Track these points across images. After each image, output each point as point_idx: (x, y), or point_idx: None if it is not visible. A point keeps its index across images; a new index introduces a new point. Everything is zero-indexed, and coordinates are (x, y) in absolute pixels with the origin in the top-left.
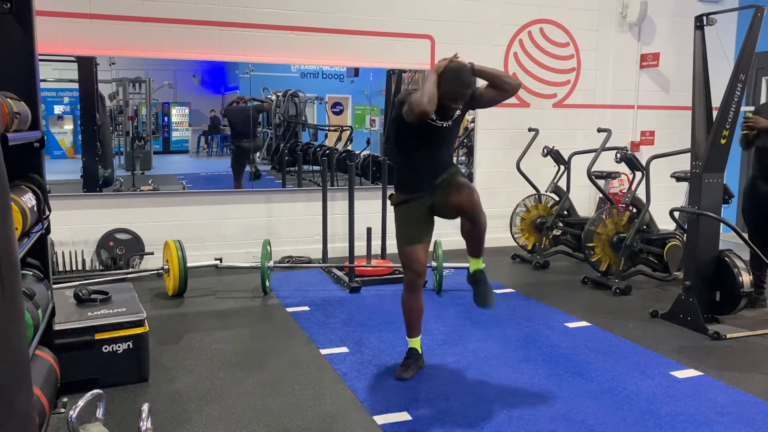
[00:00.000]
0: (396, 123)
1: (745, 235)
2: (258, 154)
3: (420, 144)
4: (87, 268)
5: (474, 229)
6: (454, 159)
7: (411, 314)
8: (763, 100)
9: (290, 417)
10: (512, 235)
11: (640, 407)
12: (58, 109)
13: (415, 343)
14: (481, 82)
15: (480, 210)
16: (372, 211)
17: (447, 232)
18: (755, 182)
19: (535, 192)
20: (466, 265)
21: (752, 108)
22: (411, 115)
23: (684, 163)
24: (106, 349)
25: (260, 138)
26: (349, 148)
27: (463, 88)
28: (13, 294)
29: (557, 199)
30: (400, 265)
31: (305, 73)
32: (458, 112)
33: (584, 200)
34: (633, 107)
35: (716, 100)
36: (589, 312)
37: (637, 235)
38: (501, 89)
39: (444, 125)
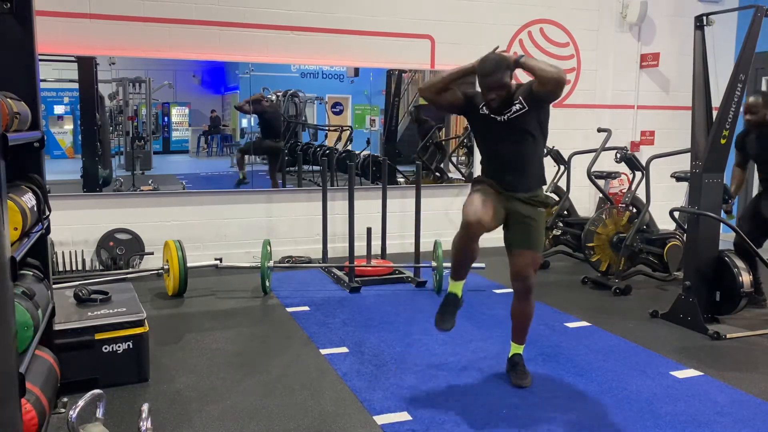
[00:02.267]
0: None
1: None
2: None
3: (483, 138)
4: (87, 268)
5: (522, 312)
6: (453, 159)
7: (458, 254)
8: None
9: (290, 417)
10: None
11: (640, 407)
12: (58, 109)
13: (457, 287)
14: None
15: (531, 288)
16: (372, 211)
17: (447, 232)
18: (761, 200)
19: None
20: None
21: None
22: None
23: (684, 163)
24: (106, 349)
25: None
26: (349, 148)
27: (485, 77)
28: (4, 303)
29: (557, 199)
30: (400, 265)
31: (305, 73)
32: (517, 106)
33: (584, 200)
34: (633, 107)
35: (716, 100)
36: (589, 312)
37: (637, 235)
38: (541, 83)
39: (499, 119)
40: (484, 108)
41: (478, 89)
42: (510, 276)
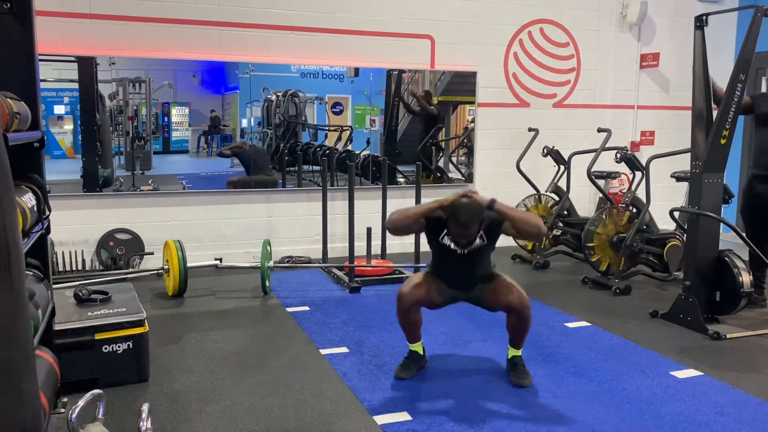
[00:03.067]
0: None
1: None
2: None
3: (441, 257)
4: (87, 268)
5: (520, 325)
6: (453, 159)
7: (405, 326)
8: None
9: (290, 417)
10: None
11: (640, 407)
12: (58, 109)
13: (417, 347)
14: None
15: (528, 307)
16: (372, 211)
17: None
18: (753, 182)
19: (535, 192)
20: None
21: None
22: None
23: (684, 163)
24: (106, 349)
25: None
26: (349, 148)
27: (460, 228)
28: (20, 286)
29: (557, 199)
30: (400, 265)
31: (305, 73)
32: (480, 242)
33: (584, 200)
34: (633, 107)
35: None
36: (589, 312)
37: (637, 235)
38: (521, 233)
39: (459, 251)
40: (446, 238)
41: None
42: (508, 312)
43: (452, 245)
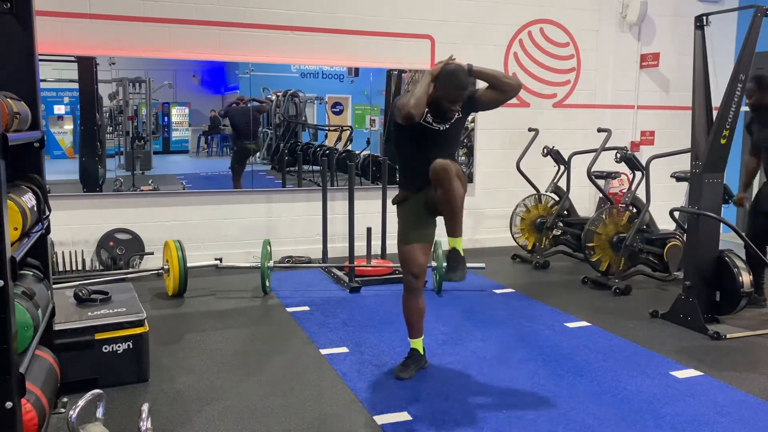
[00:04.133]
0: (394, 125)
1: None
2: (258, 154)
3: (417, 145)
4: (87, 268)
5: (446, 198)
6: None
7: (411, 315)
8: None
9: (290, 417)
10: (512, 235)
11: (640, 407)
12: (58, 109)
13: (417, 344)
14: (481, 84)
15: (450, 175)
16: (372, 211)
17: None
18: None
19: (535, 192)
20: (467, 265)
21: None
22: (399, 118)
23: (684, 163)
24: (106, 349)
25: (260, 138)
26: (349, 148)
27: (458, 90)
28: None
29: (557, 199)
30: (400, 265)
31: (305, 73)
32: (458, 115)
33: (584, 200)
34: (633, 107)
35: (716, 100)
36: (589, 312)
37: (637, 235)
38: (501, 90)
39: (441, 128)
40: (428, 116)
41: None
42: (437, 188)
43: (434, 123)
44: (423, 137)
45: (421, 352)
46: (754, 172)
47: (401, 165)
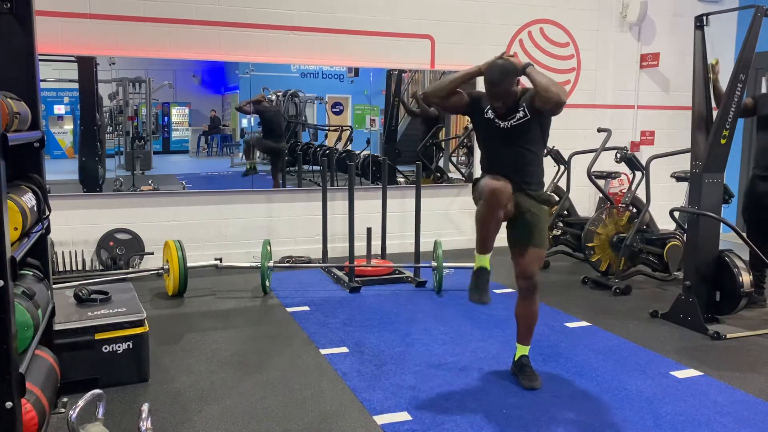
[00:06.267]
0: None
1: (745, 235)
2: (258, 154)
3: (485, 139)
4: (87, 268)
5: (528, 312)
6: (453, 159)
7: (484, 226)
8: None
9: (290, 417)
10: None
11: (640, 407)
12: (58, 109)
13: (485, 261)
14: None
15: (536, 286)
16: (372, 211)
17: (447, 232)
18: (755, 182)
19: None
20: (467, 264)
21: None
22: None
23: (684, 163)
24: (106, 349)
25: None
26: (349, 148)
27: (489, 86)
28: None
29: (557, 199)
30: (400, 265)
31: (305, 73)
32: (520, 114)
33: (584, 200)
34: (633, 107)
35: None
36: (589, 312)
37: (637, 235)
38: (541, 99)
39: (502, 125)
40: (489, 112)
41: (484, 91)
42: (515, 275)
43: (495, 119)
44: (488, 132)
45: (489, 268)
46: None
47: (481, 158)
